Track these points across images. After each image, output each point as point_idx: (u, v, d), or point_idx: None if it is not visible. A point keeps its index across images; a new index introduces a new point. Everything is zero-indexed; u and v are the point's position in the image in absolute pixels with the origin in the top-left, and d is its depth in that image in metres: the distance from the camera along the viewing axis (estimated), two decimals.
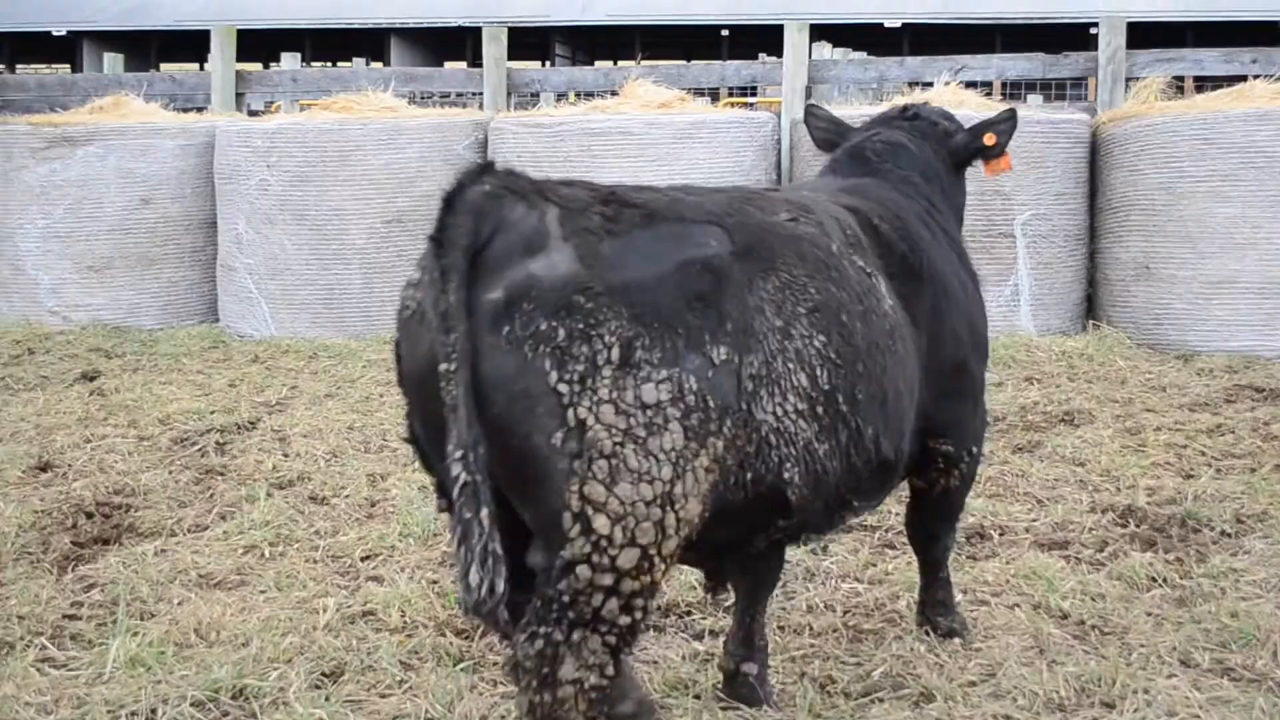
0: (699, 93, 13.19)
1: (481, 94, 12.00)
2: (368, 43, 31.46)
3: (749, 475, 3.13)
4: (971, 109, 9.49)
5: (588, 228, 2.97)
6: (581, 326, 2.85)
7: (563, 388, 2.84)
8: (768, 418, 3.13)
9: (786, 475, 3.20)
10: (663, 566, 2.97)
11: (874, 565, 5.06)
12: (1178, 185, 9.12)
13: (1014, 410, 7.30)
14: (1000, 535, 5.39)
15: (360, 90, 11.00)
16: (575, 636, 2.91)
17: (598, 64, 31.42)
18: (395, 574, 4.95)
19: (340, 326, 9.91)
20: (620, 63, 31.50)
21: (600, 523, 2.87)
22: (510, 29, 12.83)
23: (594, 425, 2.85)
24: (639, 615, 2.97)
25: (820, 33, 25.70)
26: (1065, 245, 9.58)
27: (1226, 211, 8.97)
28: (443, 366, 2.82)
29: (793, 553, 5.13)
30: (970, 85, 10.82)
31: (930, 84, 10.73)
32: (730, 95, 17.02)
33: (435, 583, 4.87)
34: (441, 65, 29.37)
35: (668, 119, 9.65)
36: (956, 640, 4.30)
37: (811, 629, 4.45)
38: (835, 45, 16.87)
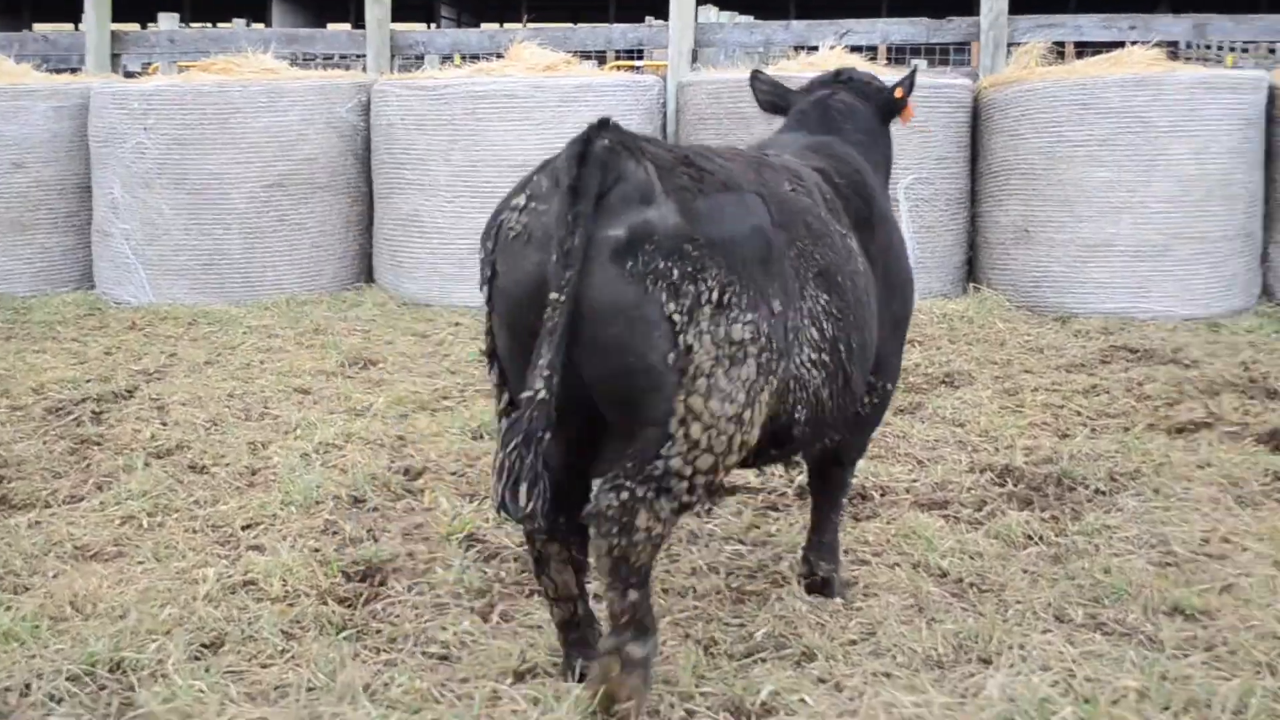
0: (585, 55, 13.12)
1: (365, 56, 11.86)
2: (248, 3, 30.94)
3: (771, 416, 3.66)
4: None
5: (682, 186, 3.50)
6: (690, 270, 3.39)
7: (676, 317, 3.39)
8: (791, 366, 3.68)
9: (796, 415, 3.77)
10: (723, 474, 3.57)
11: (757, 527, 5.11)
12: (1057, 150, 9.27)
13: None
14: (881, 495, 5.47)
15: (240, 52, 10.83)
16: (649, 495, 3.44)
17: (483, 26, 31.16)
18: (276, 543, 4.90)
19: (220, 292, 9.76)
20: (506, 25, 31.31)
21: (695, 429, 3.43)
22: None
23: (698, 350, 3.40)
24: (698, 499, 3.57)
25: None
26: (947, 209, 9.70)
27: (1103, 176, 9.14)
28: (553, 295, 3.30)
29: None
30: (856, 49, 10.88)
31: (816, 48, 10.77)
32: (617, 58, 16.98)
33: (317, 551, 4.83)
34: (324, 27, 28.98)
35: (553, 82, 9.61)
36: (838, 600, 4.36)
37: (695, 591, 4.48)
38: (722, 8, 16.90)
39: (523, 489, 3.27)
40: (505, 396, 3.68)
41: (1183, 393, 7.00)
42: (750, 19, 16.12)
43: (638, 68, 15.54)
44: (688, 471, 3.46)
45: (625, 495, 3.43)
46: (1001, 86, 9.75)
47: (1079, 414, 6.65)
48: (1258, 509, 5.31)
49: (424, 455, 6.03)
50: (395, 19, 12.03)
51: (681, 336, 3.38)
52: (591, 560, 3.61)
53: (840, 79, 5.00)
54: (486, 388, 7.18)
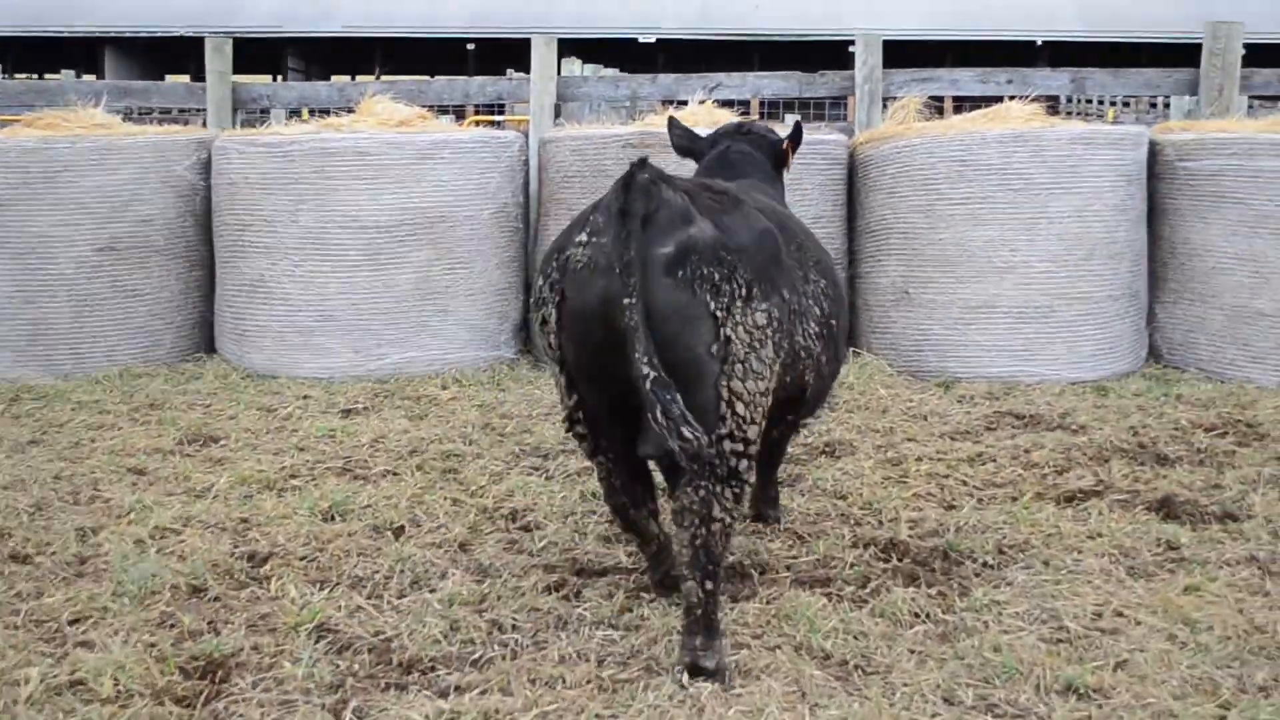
0: (443, 110, 13.11)
1: (205, 110, 11.73)
2: (79, 53, 30.51)
3: (789, 378, 4.87)
4: None
5: (710, 206, 4.65)
6: (726, 272, 4.51)
7: (718, 313, 4.49)
8: (800, 339, 4.89)
9: (807, 378, 5.04)
10: (759, 440, 4.69)
11: (629, 610, 5.08)
12: (936, 208, 9.41)
13: None
14: (760, 574, 5.48)
15: (69, 105, 10.63)
16: (718, 489, 4.53)
17: (333, 79, 31.06)
18: (108, 638, 4.77)
19: (47, 365, 9.53)
20: (359, 78, 31.21)
21: (739, 408, 4.55)
22: (237, 40, 12.59)
23: (735, 340, 4.51)
24: (753, 475, 4.68)
25: (571, 48, 25.89)
26: None
27: (984, 234, 9.29)
28: (626, 301, 4.31)
29: (543, 599, 5.13)
30: (726, 104, 11.01)
31: (684, 102, 10.88)
32: (476, 113, 17.02)
33: (153, 646, 4.71)
34: (161, 79, 28.67)
35: (407, 138, 9.58)
36: (716, 684, 4.35)
37: (564, 681, 4.44)
38: (586, 61, 17.06)
39: (685, 432, 4.19)
40: (575, 396, 4.80)
41: (1071, 460, 7.13)
42: (615, 72, 16.28)
43: (498, 123, 15.59)
44: (740, 448, 4.56)
45: (704, 492, 4.52)
46: (878, 142, 9.90)
47: (965, 484, 6.74)
48: (1150, 580, 5.41)
49: (270, 539, 5.92)
50: (238, 71, 11.94)
51: (722, 329, 4.49)
52: (676, 551, 4.62)
53: (742, 130, 6.40)
54: (338, 465, 7.09)
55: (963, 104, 12.99)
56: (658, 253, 4.43)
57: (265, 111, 13.20)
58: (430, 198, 9.45)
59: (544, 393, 8.69)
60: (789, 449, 6.43)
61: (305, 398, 8.77)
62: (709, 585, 4.51)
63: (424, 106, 10.71)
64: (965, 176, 9.31)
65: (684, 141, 6.49)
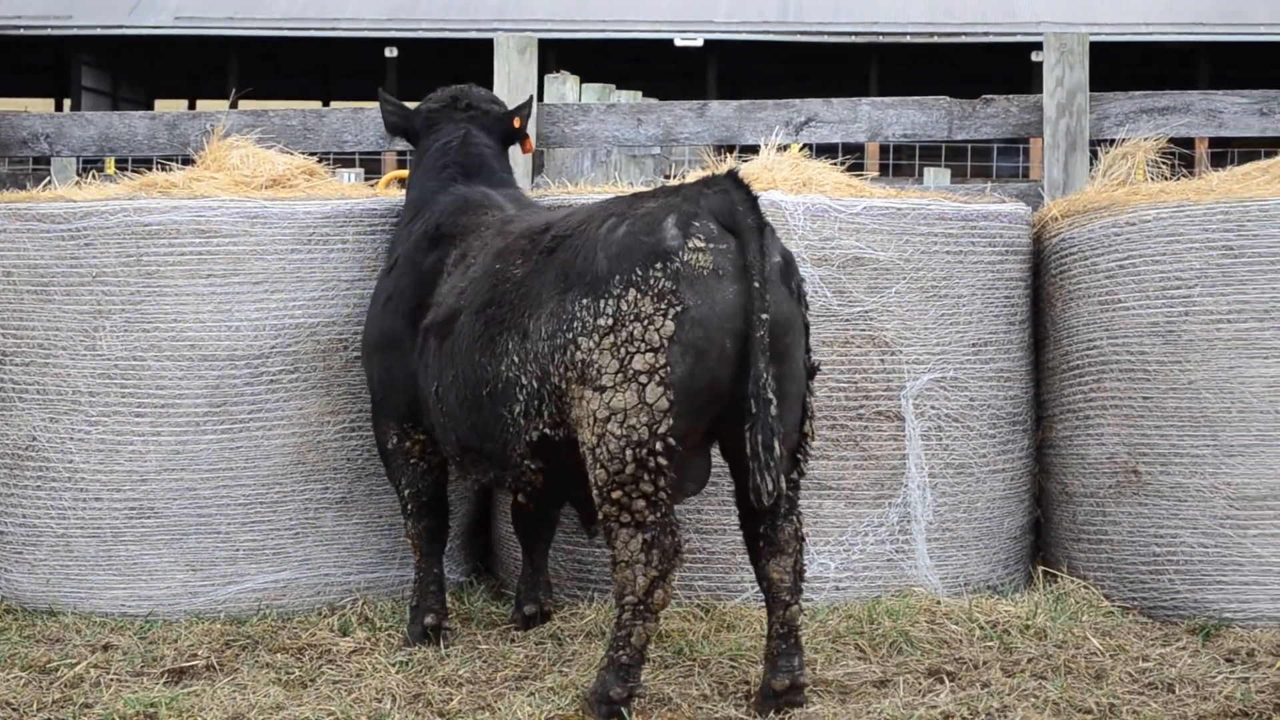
0: (343, 160, 13.04)
1: None
2: None
3: None
4: (825, 195, 9.45)
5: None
6: (804, 284, 7.41)
7: (809, 323, 7.38)
8: None
9: None
10: None
11: None
12: (1184, 328, 9.27)
13: None
14: None
15: None
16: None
17: (159, 105, 31.27)
18: None
19: None
20: (200, 103, 31.33)
21: (809, 426, 7.41)
22: None
23: (811, 353, 7.43)
24: None
25: (561, 55, 25.90)
26: (992, 434, 9.70)
27: (1270, 372, 9.20)
28: (763, 316, 6.77)
29: None
30: (824, 150, 10.94)
31: (754, 148, 10.79)
32: (402, 165, 17.17)
33: None
34: None
35: (284, 210, 9.49)
36: None
37: None
38: (586, 78, 17.07)
39: (780, 481, 6.85)
40: (669, 422, 6.91)
41: None
42: (636, 96, 16.24)
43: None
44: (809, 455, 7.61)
45: (799, 514, 7.37)
46: (1083, 217, 9.77)
47: None
48: None
49: None
50: (1, 92, 12.01)
51: (809, 341, 7.36)
52: (777, 581, 7.27)
53: (460, 105, 9.17)
54: None
55: (1226, 150, 13.01)
56: (772, 262, 6.94)
57: (43, 160, 13.25)
58: (322, 308, 9.47)
59: (512, 645, 8.63)
60: None
61: (106, 648, 8.75)
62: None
63: (311, 154, 10.68)
64: (1234, 275, 9.19)
65: (397, 119, 9.50)
